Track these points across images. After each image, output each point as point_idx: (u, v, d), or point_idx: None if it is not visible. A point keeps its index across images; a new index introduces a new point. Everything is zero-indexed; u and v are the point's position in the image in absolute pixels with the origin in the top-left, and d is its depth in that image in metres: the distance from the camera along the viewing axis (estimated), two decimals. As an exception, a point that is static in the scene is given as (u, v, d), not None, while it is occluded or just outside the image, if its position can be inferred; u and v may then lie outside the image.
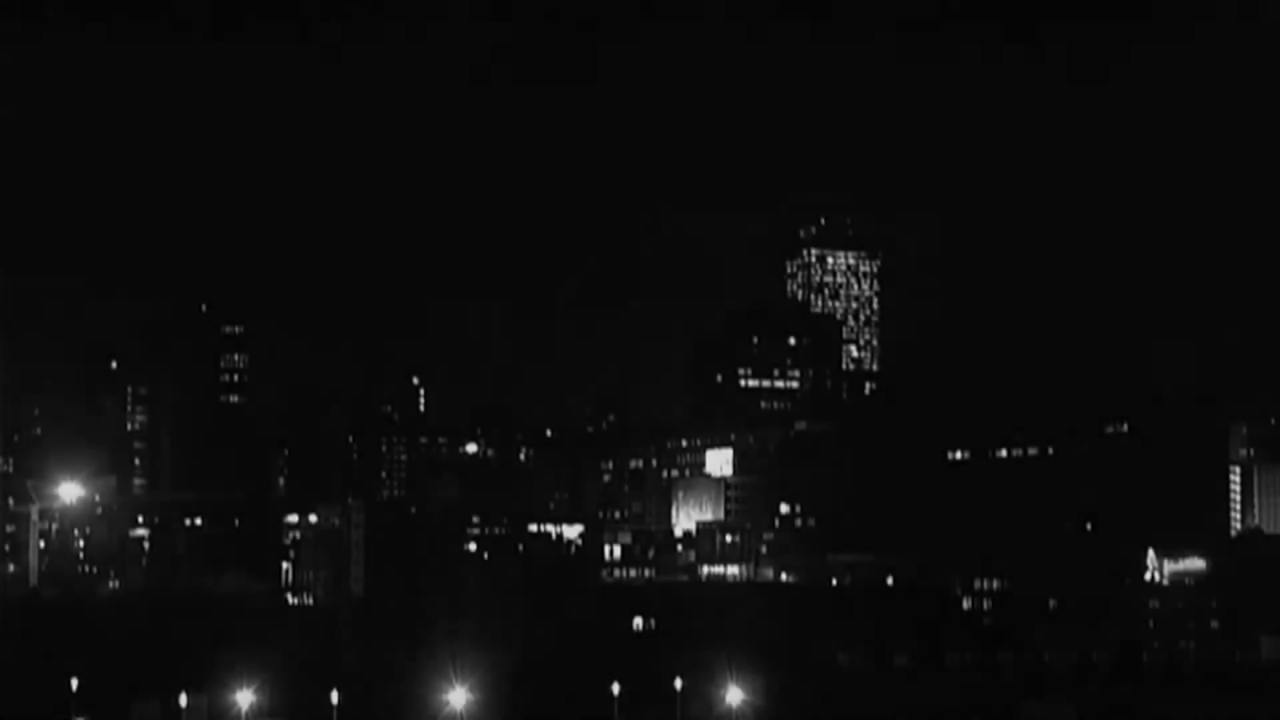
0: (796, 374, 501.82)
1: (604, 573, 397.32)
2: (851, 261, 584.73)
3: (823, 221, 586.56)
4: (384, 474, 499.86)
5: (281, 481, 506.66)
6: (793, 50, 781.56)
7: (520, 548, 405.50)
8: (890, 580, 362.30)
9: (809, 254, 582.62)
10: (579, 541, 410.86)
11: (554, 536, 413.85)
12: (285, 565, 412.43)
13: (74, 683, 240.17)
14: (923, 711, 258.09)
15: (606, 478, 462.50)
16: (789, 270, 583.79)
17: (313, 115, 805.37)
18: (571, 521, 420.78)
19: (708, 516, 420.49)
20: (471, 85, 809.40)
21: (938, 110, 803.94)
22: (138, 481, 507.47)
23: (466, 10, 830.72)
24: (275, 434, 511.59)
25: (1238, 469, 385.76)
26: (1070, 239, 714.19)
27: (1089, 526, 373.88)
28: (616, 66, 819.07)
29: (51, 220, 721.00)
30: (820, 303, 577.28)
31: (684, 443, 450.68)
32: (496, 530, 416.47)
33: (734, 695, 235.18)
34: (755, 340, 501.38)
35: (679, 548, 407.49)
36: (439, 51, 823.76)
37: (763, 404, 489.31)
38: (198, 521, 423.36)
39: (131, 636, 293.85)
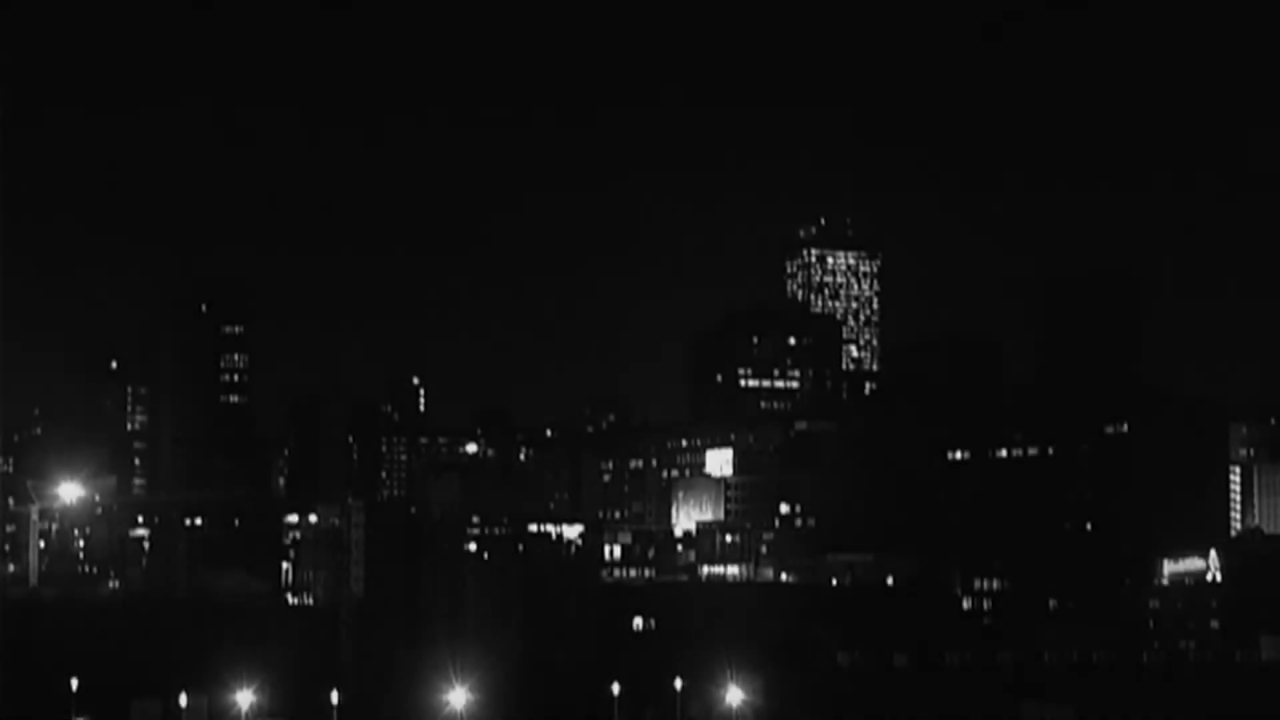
0: (796, 374, 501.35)
1: (604, 573, 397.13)
2: (851, 261, 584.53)
3: (823, 221, 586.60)
4: (384, 474, 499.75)
5: (281, 481, 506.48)
6: (794, 48, 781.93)
7: (520, 548, 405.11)
8: (890, 580, 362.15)
9: (809, 254, 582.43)
10: (579, 541, 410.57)
11: (554, 536, 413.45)
12: (285, 565, 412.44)
13: (74, 683, 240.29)
14: (923, 711, 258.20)
15: (606, 478, 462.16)
16: (789, 270, 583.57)
17: (313, 114, 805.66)
18: (571, 521, 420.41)
19: (708, 516, 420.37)
20: (476, 83, 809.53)
21: (939, 110, 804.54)
22: (138, 481, 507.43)
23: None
24: (275, 434, 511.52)
25: (1238, 469, 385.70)
26: (1071, 238, 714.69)
27: (1089, 526, 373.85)
28: (618, 66, 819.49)
29: (52, 220, 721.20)
30: (820, 303, 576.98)
31: (684, 443, 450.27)
32: (496, 530, 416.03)
33: (734, 695, 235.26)
34: (755, 340, 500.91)
35: (679, 548, 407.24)
36: (442, 49, 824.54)
37: (763, 404, 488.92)
38: (198, 521, 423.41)
39: (131, 636, 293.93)
